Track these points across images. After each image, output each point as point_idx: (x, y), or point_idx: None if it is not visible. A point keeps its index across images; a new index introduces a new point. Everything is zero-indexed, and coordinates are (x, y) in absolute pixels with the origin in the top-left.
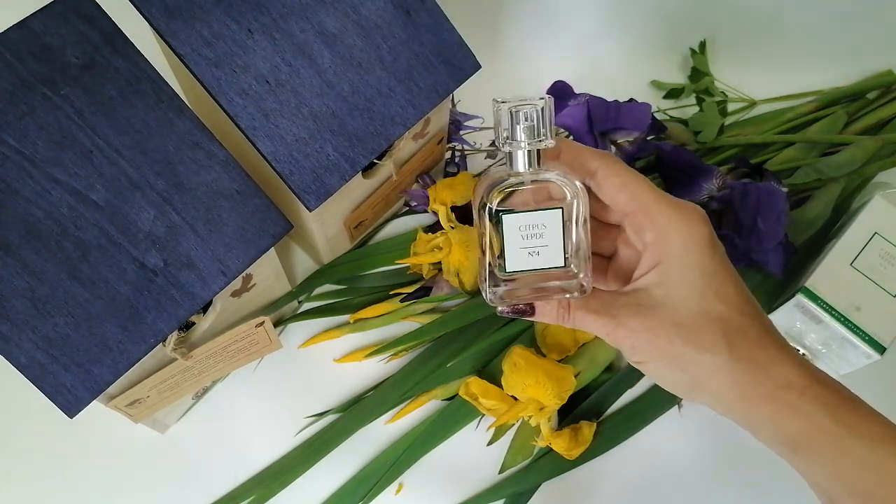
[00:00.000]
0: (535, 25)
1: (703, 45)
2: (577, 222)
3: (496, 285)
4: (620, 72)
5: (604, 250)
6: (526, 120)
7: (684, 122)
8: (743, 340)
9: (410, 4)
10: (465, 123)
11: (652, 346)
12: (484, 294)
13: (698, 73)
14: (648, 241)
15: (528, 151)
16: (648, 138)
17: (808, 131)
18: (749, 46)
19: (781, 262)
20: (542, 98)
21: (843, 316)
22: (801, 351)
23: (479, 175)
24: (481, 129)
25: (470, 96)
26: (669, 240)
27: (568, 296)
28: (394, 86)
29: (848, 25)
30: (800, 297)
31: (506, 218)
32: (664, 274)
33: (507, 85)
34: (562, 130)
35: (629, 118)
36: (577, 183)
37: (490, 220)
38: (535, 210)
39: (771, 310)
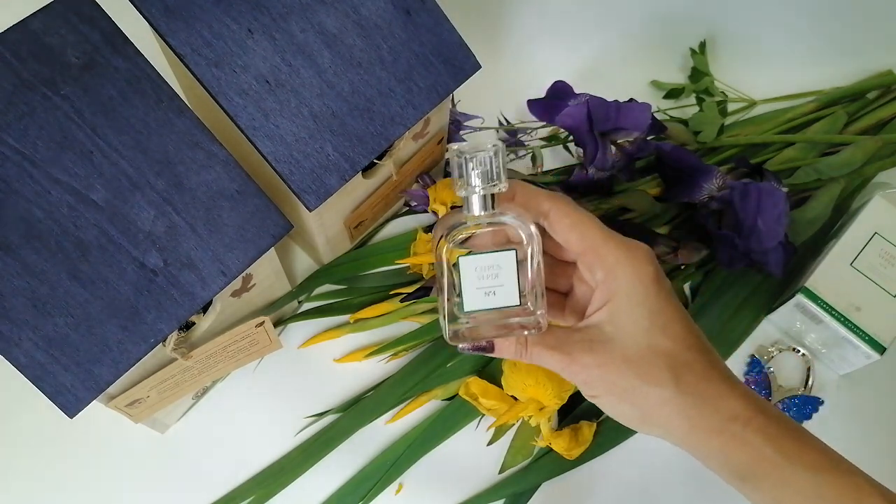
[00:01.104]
0: (535, 25)
1: (703, 45)
2: (531, 262)
3: (455, 323)
4: (620, 72)
5: (560, 287)
6: (480, 165)
7: (684, 122)
8: (689, 374)
9: (410, 4)
10: (465, 123)
11: (603, 380)
12: (444, 333)
13: (698, 73)
14: (599, 279)
15: (483, 195)
16: (648, 138)
17: (808, 131)
18: (749, 46)
19: (781, 262)
20: (494, 145)
21: (843, 316)
22: (801, 351)
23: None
24: (481, 129)
25: (470, 96)
26: (617, 278)
27: (526, 332)
28: (394, 86)
29: (848, 25)
30: (800, 297)
31: (462, 260)
32: (614, 312)
33: (507, 85)
34: (515, 169)
35: (629, 118)
36: (531, 226)
37: (447, 261)
38: (490, 252)
39: (771, 310)
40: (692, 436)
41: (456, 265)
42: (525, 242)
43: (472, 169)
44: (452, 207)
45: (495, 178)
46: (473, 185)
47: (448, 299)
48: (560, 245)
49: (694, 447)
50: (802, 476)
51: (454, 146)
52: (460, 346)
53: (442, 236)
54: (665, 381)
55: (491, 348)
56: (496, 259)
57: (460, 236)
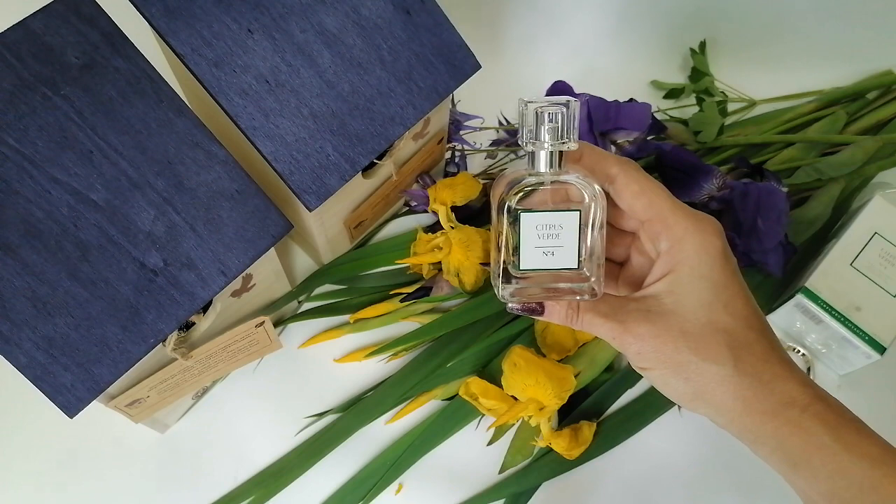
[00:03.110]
0: (535, 25)
1: (703, 45)
2: (593, 226)
3: (508, 282)
4: (620, 72)
5: (617, 256)
6: (551, 121)
7: (684, 122)
8: (748, 355)
9: (410, 4)
10: (465, 123)
11: (658, 353)
12: (496, 290)
13: (698, 73)
14: (663, 250)
15: (551, 153)
16: (648, 138)
17: (808, 131)
18: (749, 46)
19: (781, 262)
20: (568, 100)
21: (843, 316)
22: (801, 351)
23: (478, 175)
24: (481, 129)
25: (470, 96)
26: (684, 249)
27: (578, 298)
28: (394, 86)
29: (848, 25)
30: (800, 297)
31: (524, 216)
32: (675, 283)
33: (507, 85)
34: None
35: (629, 118)
36: (597, 187)
37: (508, 217)
38: (554, 210)
39: (771, 310)
40: (745, 417)
41: (515, 221)
42: (588, 203)
43: (543, 124)
44: (453, 208)
45: (566, 135)
46: (543, 140)
47: (504, 256)
48: (620, 213)
49: (746, 430)
50: (860, 467)
51: (525, 98)
52: (510, 305)
53: (504, 192)
54: (723, 359)
55: (541, 311)
56: (559, 218)
57: (521, 193)
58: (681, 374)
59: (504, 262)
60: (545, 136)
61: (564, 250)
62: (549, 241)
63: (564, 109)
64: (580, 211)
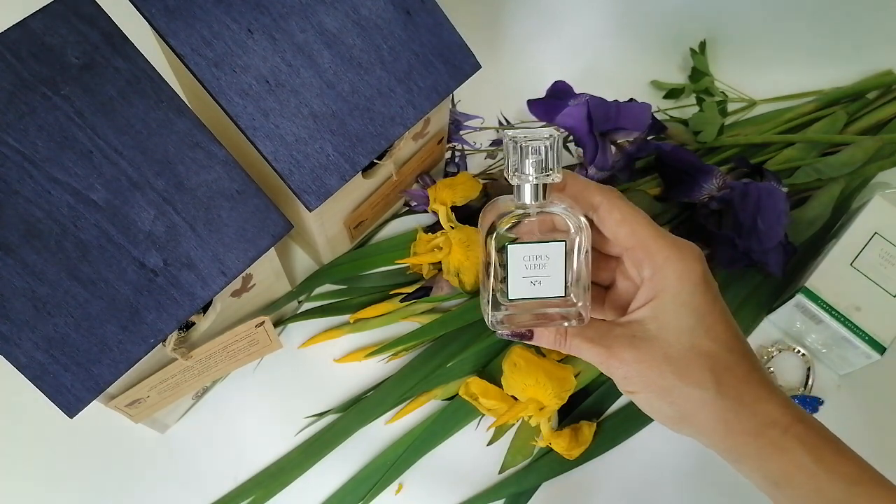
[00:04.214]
0: (535, 25)
1: (703, 45)
2: (578, 254)
3: (497, 310)
4: (620, 72)
5: (602, 280)
6: (535, 154)
7: (684, 122)
8: (730, 377)
9: (410, 4)
10: (465, 123)
11: (643, 377)
12: (486, 318)
13: (698, 73)
14: (646, 276)
15: (535, 185)
16: (648, 138)
17: (808, 131)
18: (749, 46)
19: (781, 262)
20: (550, 135)
21: (843, 316)
22: (801, 351)
23: (478, 175)
24: (481, 129)
25: (470, 96)
26: (665, 276)
27: (566, 324)
28: (394, 86)
29: (848, 25)
30: (800, 297)
31: (511, 248)
32: (658, 309)
33: (507, 85)
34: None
35: (629, 118)
36: (581, 217)
37: (496, 248)
38: (540, 242)
39: (771, 310)
40: (728, 439)
41: (502, 251)
42: (573, 233)
43: (527, 157)
44: (453, 208)
45: (550, 168)
46: (527, 173)
47: (493, 285)
48: (605, 238)
49: (728, 450)
50: (838, 487)
51: (510, 132)
52: (500, 331)
53: (493, 222)
54: (705, 383)
55: (530, 336)
56: (545, 249)
57: (508, 224)
58: (665, 398)
59: (493, 290)
60: (529, 168)
61: (551, 279)
62: (536, 272)
63: (548, 142)
64: (565, 242)
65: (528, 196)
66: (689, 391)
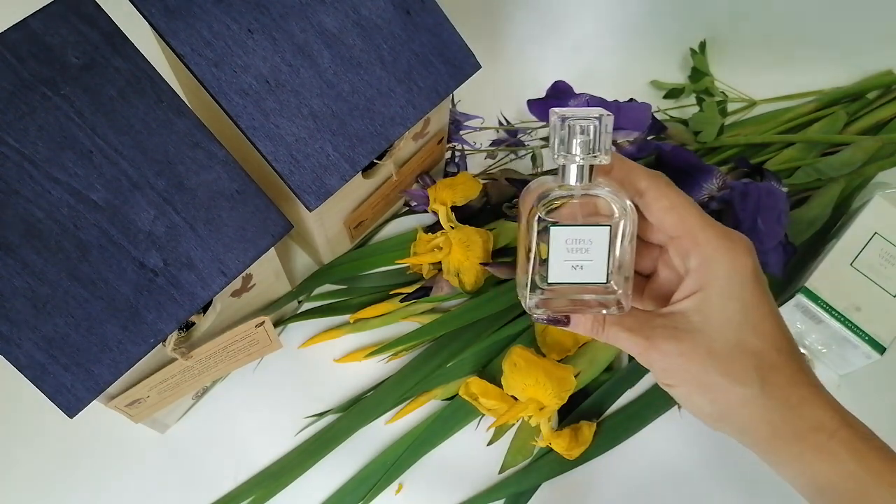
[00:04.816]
0: (535, 25)
1: (703, 45)
2: (622, 240)
3: (534, 293)
4: (620, 72)
5: (643, 269)
6: (583, 134)
7: (684, 122)
8: (776, 377)
9: (410, 4)
10: (465, 123)
11: (684, 371)
12: (522, 301)
13: (698, 73)
14: (692, 267)
15: (581, 166)
16: (648, 138)
17: (808, 131)
18: (749, 46)
19: (781, 262)
20: (601, 113)
21: (843, 316)
22: (802, 351)
23: (478, 175)
24: (481, 129)
25: (470, 96)
26: (714, 268)
27: (605, 311)
28: (394, 86)
29: (848, 25)
30: (800, 297)
31: (554, 230)
32: (704, 301)
33: (507, 85)
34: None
35: (629, 118)
36: (627, 201)
37: (538, 229)
38: (584, 225)
39: None
40: (771, 441)
41: (544, 234)
42: (618, 218)
43: (574, 137)
44: (453, 208)
45: (598, 149)
46: (574, 153)
47: (532, 268)
48: (649, 226)
49: (771, 453)
50: (886, 496)
51: (558, 110)
52: (535, 315)
53: (533, 204)
54: (750, 381)
55: (567, 322)
56: (589, 233)
57: (551, 206)
58: (706, 394)
59: (532, 273)
60: (577, 149)
61: (593, 264)
62: (578, 256)
63: (597, 122)
64: (610, 226)
65: (573, 177)
66: (731, 388)
